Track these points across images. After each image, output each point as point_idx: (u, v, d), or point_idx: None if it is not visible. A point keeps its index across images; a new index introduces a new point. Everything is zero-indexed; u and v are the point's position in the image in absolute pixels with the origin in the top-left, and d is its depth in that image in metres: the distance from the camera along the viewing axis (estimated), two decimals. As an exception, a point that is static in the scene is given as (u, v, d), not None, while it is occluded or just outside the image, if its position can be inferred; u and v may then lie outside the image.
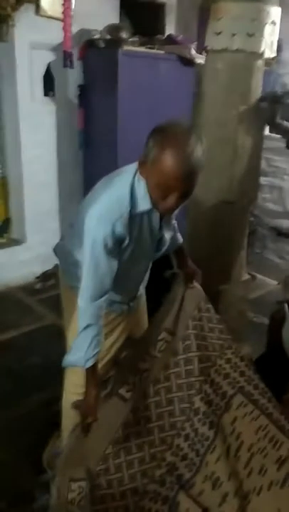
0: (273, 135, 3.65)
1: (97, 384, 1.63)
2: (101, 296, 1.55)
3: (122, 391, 1.79)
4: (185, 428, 1.70)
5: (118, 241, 1.50)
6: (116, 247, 1.51)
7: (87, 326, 1.55)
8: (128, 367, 1.83)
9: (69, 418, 1.81)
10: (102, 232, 1.46)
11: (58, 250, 1.85)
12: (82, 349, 1.56)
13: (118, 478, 1.69)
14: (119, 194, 1.50)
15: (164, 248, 1.73)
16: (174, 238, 1.83)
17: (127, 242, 1.53)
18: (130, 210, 1.48)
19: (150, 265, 1.82)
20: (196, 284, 1.89)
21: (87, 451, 1.70)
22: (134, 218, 1.51)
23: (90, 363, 1.56)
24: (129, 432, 1.74)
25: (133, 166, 1.53)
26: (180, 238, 1.91)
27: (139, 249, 1.62)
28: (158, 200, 1.44)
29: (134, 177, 1.50)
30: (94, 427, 1.63)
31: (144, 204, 1.49)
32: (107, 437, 1.73)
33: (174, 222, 1.83)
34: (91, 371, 1.59)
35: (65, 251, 1.78)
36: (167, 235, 1.71)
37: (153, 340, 1.83)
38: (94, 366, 1.58)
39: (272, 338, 2.36)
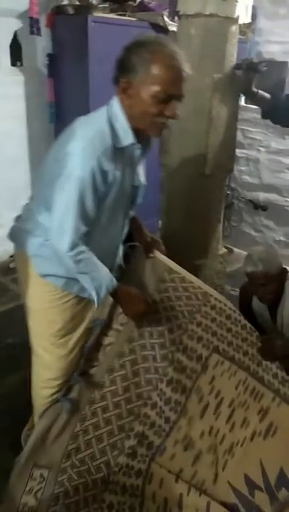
0: (249, 106, 3.61)
1: (122, 291, 1.63)
2: (79, 241, 1.48)
3: (87, 368, 1.80)
4: (151, 397, 1.71)
5: (104, 178, 1.44)
6: (102, 185, 1.45)
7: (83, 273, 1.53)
8: (93, 344, 1.82)
9: (40, 406, 1.82)
10: (88, 166, 1.39)
11: (13, 232, 1.75)
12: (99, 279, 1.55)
13: (90, 455, 1.70)
14: (98, 129, 1.45)
15: (138, 201, 1.71)
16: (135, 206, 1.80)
17: (111, 180, 1.47)
18: (113, 143, 1.44)
19: (125, 226, 1.75)
20: (158, 254, 1.85)
21: (54, 435, 1.71)
22: (117, 153, 1.46)
23: (112, 285, 1.57)
24: (96, 408, 1.75)
25: (102, 107, 1.51)
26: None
27: (121, 194, 1.56)
28: (154, 117, 1.42)
29: (108, 113, 1.47)
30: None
31: (126, 138, 1.47)
32: (75, 416, 1.73)
33: None
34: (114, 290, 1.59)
35: (24, 221, 1.69)
36: (143, 180, 1.68)
37: (115, 314, 1.81)
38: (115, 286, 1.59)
39: (244, 312, 2.36)
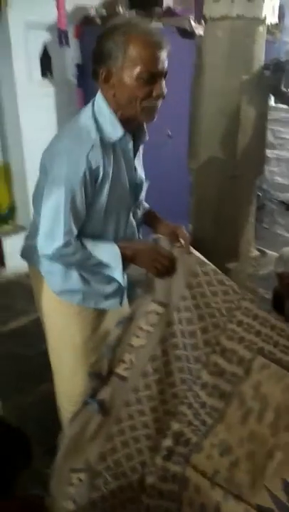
0: (279, 106, 3.57)
1: (136, 243, 1.57)
2: (69, 245, 1.42)
3: (119, 370, 1.76)
4: (188, 397, 1.66)
5: (94, 176, 1.38)
6: (93, 183, 1.39)
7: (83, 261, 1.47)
8: (121, 345, 1.79)
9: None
10: (75, 165, 1.33)
11: (24, 250, 1.70)
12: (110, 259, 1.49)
13: (126, 455, 1.68)
14: (82, 126, 1.39)
15: (141, 195, 1.62)
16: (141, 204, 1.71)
17: (102, 177, 1.39)
18: (101, 139, 1.37)
19: (132, 225, 1.65)
20: (185, 247, 1.69)
21: (88, 437, 1.71)
22: (106, 149, 1.39)
23: (119, 256, 1.48)
24: (132, 410, 1.73)
25: (88, 105, 1.45)
26: (146, 204, 1.76)
27: (120, 191, 1.49)
28: (142, 101, 1.34)
29: (92, 109, 1.41)
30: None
31: (115, 131, 1.39)
32: (110, 418, 1.72)
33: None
34: (123, 254, 1.49)
35: (32, 238, 1.60)
36: (142, 174, 1.60)
37: (142, 314, 1.76)
38: (120, 250, 1.49)
39: (277, 314, 2.33)
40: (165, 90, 1.37)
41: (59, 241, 1.39)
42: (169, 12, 3.65)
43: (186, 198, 2.49)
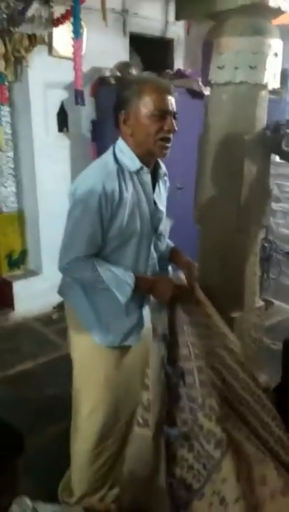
0: (284, 161, 3.71)
1: (145, 279, 1.67)
2: (80, 258, 1.58)
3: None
4: (189, 438, 1.63)
5: (111, 200, 1.54)
6: (109, 206, 1.55)
7: (94, 266, 1.58)
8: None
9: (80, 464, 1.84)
10: (90, 189, 1.52)
11: (60, 287, 1.85)
12: (115, 281, 1.59)
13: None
14: (101, 162, 1.64)
15: (161, 227, 1.76)
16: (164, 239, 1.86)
17: (118, 199, 1.56)
18: (118, 169, 1.58)
19: (153, 257, 1.77)
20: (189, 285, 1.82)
21: None
22: (125, 178, 1.59)
23: (130, 288, 1.60)
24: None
25: (109, 149, 1.68)
26: (171, 242, 1.93)
27: (139, 220, 1.64)
28: (156, 135, 1.57)
29: (113, 150, 1.64)
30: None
31: (133, 163, 1.62)
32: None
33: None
34: (135, 286, 1.61)
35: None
36: (162, 208, 1.76)
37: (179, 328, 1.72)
38: (136, 280, 1.62)
39: (287, 365, 2.33)
40: (175, 126, 1.61)
41: (71, 255, 1.58)
42: (180, 74, 3.88)
43: (195, 246, 2.57)
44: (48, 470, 2.18)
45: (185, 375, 1.63)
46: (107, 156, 1.64)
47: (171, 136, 1.61)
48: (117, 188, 1.56)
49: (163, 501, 1.64)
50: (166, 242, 1.87)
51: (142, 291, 1.65)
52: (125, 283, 1.59)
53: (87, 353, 1.75)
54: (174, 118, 1.60)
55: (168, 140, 1.61)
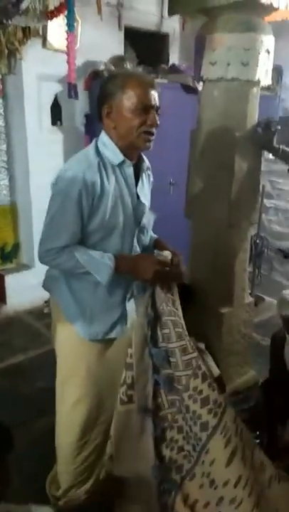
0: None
1: (125, 258, 1.66)
2: (57, 248, 1.58)
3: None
4: (177, 420, 1.64)
5: (92, 192, 1.55)
6: (90, 197, 1.55)
7: (71, 251, 1.58)
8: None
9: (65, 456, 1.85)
10: (71, 179, 1.53)
11: (45, 281, 1.85)
12: (96, 265, 1.59)
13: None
14: (84, 153, 1.65)
15: (144, 220, 1.76)
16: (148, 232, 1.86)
17: (100, 191, 1.56)
18: (100, 161, 1.59)
19: (135, 250, 1.75)
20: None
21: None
22: (106, 170, 1.60)
23: (110, 268, 1.59)
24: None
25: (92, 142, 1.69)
26: (154, 234, 1.92)
27: (122, 212, 1.64)
28: (139, 129, 1.58)
29: (95, 143, 1.66)
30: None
31: (115, 156, 1.63)
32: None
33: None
34: (116, 267, 1.60)
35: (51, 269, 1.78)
36: (145, 202, 1.76)
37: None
38: (115, 260, 1.60)
39: (275, 360, 2.35)
40: (157, 121, 1.61)
41: (50, 244, 1.58)
42: (174, 69, 3.87)
43: (188, 241, 2.58)
44: (39, 463, 2.18)
45: (169, 356, 1.62)
46: (89, 149, 1.65)
47: (154, 130, 1.62)
48: (98, 181, 1.56)
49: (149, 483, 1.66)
50: (150, 235, 1.87)
51: (123, 270, 1.63)
52: (104, 264, 1.59)
53: (71, 346, 1.76)
54: (157, 113, 1.62)
55: (151, 134, 1.62)
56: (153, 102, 1.60)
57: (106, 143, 1.63)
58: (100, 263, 1.59)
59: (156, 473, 1.64)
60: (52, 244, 1.58)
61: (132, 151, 1.67)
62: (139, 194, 1.73)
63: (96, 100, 1.66)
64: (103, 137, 1.65)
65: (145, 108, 1.58)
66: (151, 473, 1.64)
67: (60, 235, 1.57)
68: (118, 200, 1.63)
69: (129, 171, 1.67)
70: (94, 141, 1.67)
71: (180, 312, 1.65)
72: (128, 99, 1.57)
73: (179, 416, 1.64)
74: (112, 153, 1.62)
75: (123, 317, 1.76)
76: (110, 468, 1.68)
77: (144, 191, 1.78)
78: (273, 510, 1.53)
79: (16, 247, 4.12)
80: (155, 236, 1.91)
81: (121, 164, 1.64)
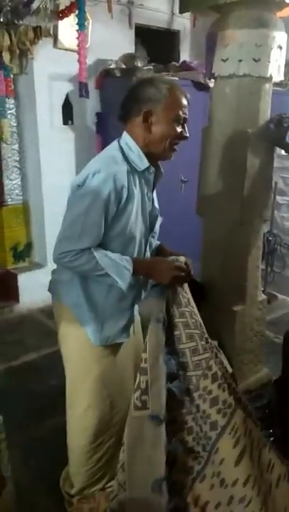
0: (289, 155, 3.69)
1: (142, 262, 1.66)
2: (79, 250, 1.51)
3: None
4: (187, 421, 1.63)
5: (119, 197, 1.52)
6: (117, 201, 1.52)
7: (91, 252, 1.52)
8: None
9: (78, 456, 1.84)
10: (102, 180, 1.48)
11: (51, 285, 1.80)
12: (115, 268, 1.54)
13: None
14: (111, 155, 1.59)
15: (156, 226, 1.76)
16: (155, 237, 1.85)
17: (125, 196, 1.53)
18: (128, 166, 1.56)
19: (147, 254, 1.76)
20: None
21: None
22: (133, 176, 1.58)
23: (129, 271, 1.56)
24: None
25: (112, 144, 1.65)
26: (158, 241, 1.90)
27: (141, 217, 1.64)
28: (173, 139, 1.59)
29: (119, 144, 1.62)
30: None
31: (141, 162, 1.60)
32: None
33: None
34: (133, 270, 1.57)
35: (60, 273, 1.73)
36: (157, 206, 1.76)
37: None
38: (133, 263, 1.57)
39: (287, 358, 2.34)
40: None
41: (69, 247, 1.51)
42: (185, 66, 3.86)
43: (199, 239, 2.57)
44: (51, 461, 2.20)
45: (180, 357, 1.62)
46: (114, 151, 1.60)
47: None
48: (126, 185, 1.53)
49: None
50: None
51: (140, 274, 1.62)
52: (124, 267, 1.55)
53: (81, 353, 1.73)
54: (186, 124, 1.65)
55: (176, 145, 1.64)
56: (187, 115, 1.62)
57: (132, 147, 1.59)
58: (120, 266, 1.55)
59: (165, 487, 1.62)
60: (72, 246, 1.51)
61: (154, 158, 1.65)
62: (154, 199, 1.74)
63: (126, 99, 1.62)
64: (128, 140, 1.60)
65: (183, 120, 1.60)
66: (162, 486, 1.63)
67: (81, 238, 1.50)
68: (139, 206, 1.62)
69: (151, 177, 1.66)
70: (116, 143, 1.63)
71: (196, 309, 1.65)
72: (172, 109, 1.57)
73: (188, 417, 1.64)
74: (138, 159, 1.59)
75: (131, 322, 1.75)
76: (122, 479, 1.67)
77: (156, 198, 1.78)
78: (281, 508, 1.52)
79: (29, 246, 4.14)
80: (158, 242, 1.89)
81: (144, 171, 1.61)
